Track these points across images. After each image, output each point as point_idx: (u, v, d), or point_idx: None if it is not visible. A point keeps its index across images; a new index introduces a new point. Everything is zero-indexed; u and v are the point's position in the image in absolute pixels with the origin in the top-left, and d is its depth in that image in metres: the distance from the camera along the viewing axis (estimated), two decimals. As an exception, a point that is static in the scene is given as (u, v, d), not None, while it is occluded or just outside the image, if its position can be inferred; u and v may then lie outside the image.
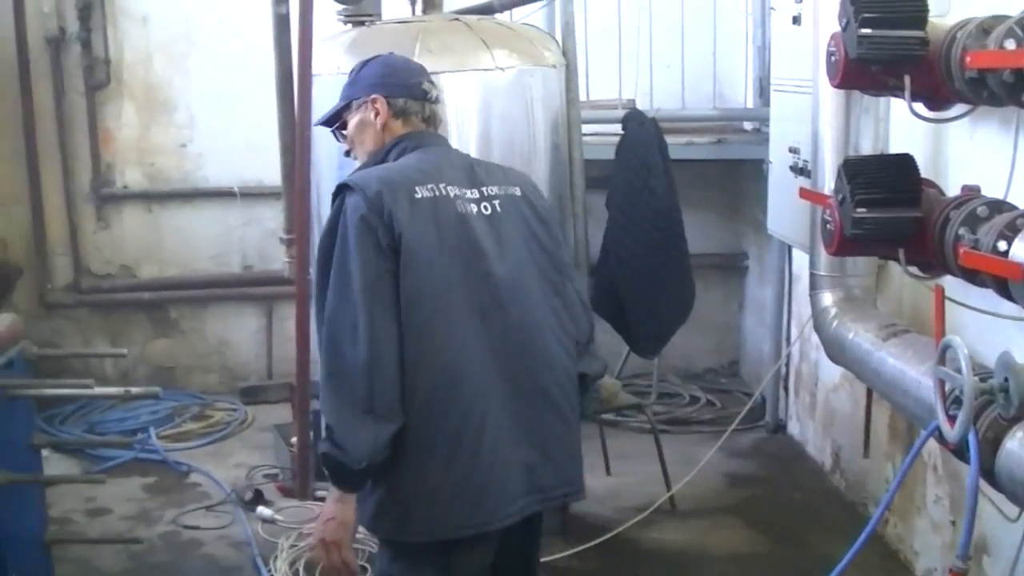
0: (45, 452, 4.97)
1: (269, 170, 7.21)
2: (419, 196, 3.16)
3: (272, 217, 7.53)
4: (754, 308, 7.69)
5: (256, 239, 7.79)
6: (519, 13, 6.15)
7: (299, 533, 5.35)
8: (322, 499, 5.58)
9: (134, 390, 4.28)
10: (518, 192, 3.37)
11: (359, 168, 3.39)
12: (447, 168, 3.30)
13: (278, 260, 7.41)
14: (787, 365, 6.82)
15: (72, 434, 7.01)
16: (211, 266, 7.89)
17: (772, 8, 5.74)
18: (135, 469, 6.60)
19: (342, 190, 3.18)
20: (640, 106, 6.51)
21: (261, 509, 5.86)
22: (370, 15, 5.31)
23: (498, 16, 5.63)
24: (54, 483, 4.94)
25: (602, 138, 6.18)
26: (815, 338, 4.97)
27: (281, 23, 5.55)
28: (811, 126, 4.63)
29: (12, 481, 4.02)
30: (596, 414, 5.85)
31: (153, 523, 5.93)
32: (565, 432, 3.36)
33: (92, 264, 7.95)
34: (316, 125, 3.59)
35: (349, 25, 5.31)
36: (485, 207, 3.26)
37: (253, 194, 7.70)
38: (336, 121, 3.52)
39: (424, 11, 5.26)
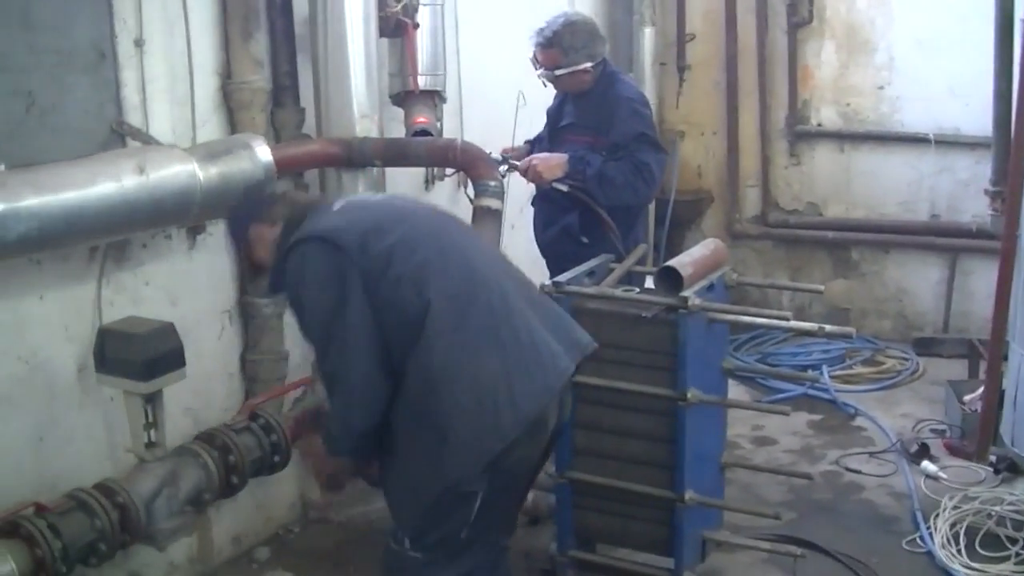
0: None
1: (969, 118, 6.99)
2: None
3: (966, 168, 7.30)
4: None
5: (947, 188, 7.52)
6: None
7: (964, 495, 5.19)
8: (992, 465, 5.44)
9: (828, 328, 4.26)
10: None
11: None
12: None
13: (967, 212, 7.25)
14: None
15: (747, 362, 7.22)
16: (898, 212, 7.73)
17: None
18: (803, 405, 6.67)
19: (295, 246, 3.55)
20: None
21: (926, 464, 5.74)
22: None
23: None
24: (740, 408, 5.06)
25: None
26: None
27: (1007, -34, 5.31)
28: None
29: (704, 402, 4.16)
30: None
31: (816, 460, 5.99)
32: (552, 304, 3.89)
33: (780, 199, 8.11)
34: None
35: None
36: None
37: (949, 142, 7.40)
38: None
39: None
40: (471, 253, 3.62)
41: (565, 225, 5.41)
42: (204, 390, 4.76)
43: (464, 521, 3.50)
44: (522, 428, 3.42)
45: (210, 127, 4.69)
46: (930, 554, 4.93)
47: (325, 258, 3.47)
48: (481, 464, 3.41)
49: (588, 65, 5.30)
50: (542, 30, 5.33)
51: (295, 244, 3.53)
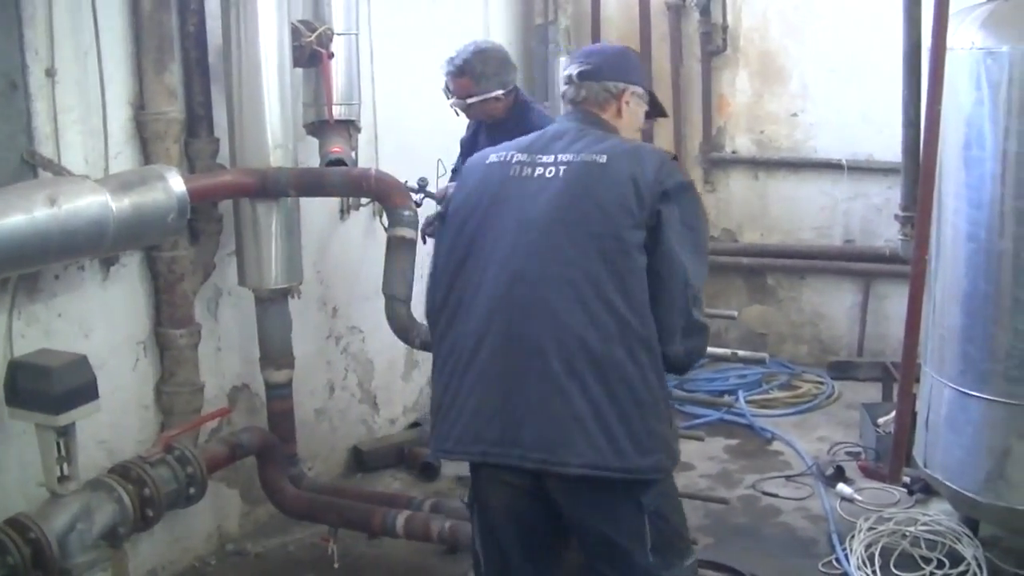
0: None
1: (881, 144, 7.11)
2: (488, 161, 3.58)
3: (879, 193, 7.43)
4: None
5: (860, 213, 7.62)
6: None
7: (879, 517, 5.27)
8: (907, 486, 5.51)
9: (741, 353, 4.32)
10: (602, 159, 3.40)
11: None
12: (537, 139, 3.59)
13: (881, 237, 7.38)
14: None
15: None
16: (813, 237, 7.82)
17: None
18: (720, 430, 6.75)
19: None
20: None
21: (841, 486, 5.82)
22: (1009, -12, 5.04)
23: None
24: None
25: None
26: None
27: (914, -6, 5.38)
28: None
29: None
30: None
31: (733, 485, 6.05)
32: (559, 400, 3.29)
33: (698, 225, 8.15)
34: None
35: (984, -2, 5.07)
36: (549, 171, 3.44)
37: (862, 168, 7.53)
38: None
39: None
40: (517, 294, 3.38)
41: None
42: (118, 423, 4.72)
43: (475, 531, 3.63)
44: (441, 455, 3.59)
45: (123, 158, 4.66)
46: (846, 575, 5.00)
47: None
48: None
49: (500, 92, 5.31)
50: (453, 59, 5.34)
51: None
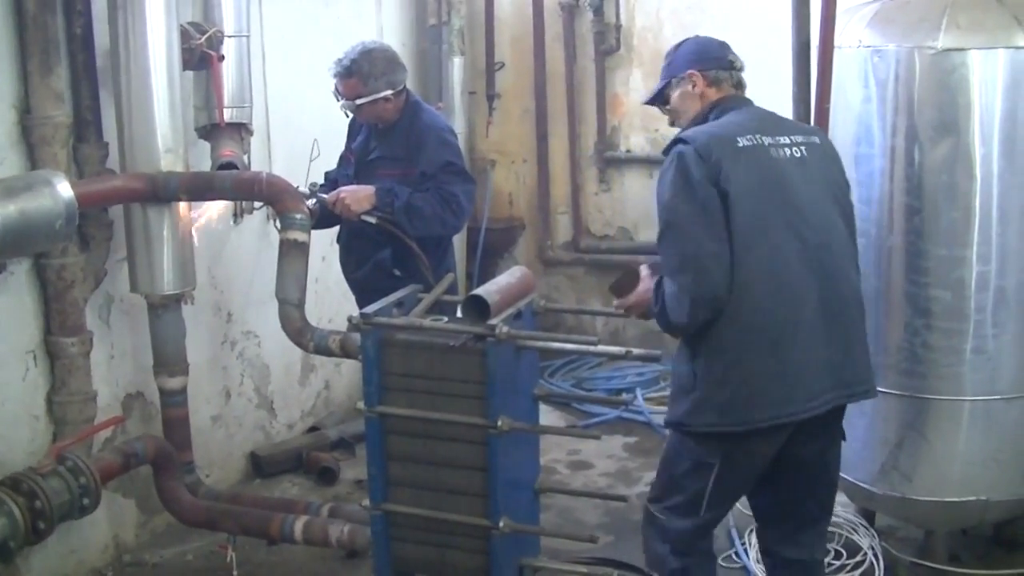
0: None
1: (776, 143, 7.17)
2: (741, 145, 3.75)
3: (771, 190, 7.50)
4: None
5: (753, 210, 7.68)
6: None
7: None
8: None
9: (636, 351, 4.35)
10: (817, 140, 3.97)
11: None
12: (760, 122, 3.89)
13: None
14: None
15: (561, 388, 7.27)
16: (707, 235, 7.86)
17: None
18: (619, 428, 6.78)
19: (676, 143, 3.79)
20: None
21: (739, 483, 5.86)
22: (895, -13, 5.12)
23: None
24: (552, 433, 5.09)
25: None
26: None
27: (803, -6, 5.44)
28: None
29: (515, 429, 4.17)
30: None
31: (632, 483, 6.07)
32: (861, 336, 3.89)
33: (592, 225, 8.19)
34: (644, 104, 4.25)
35: (872, -3, 5.15)
36: (795, 151, 3.82)
37: (756, 165, 7.60)
38: (660, 99, 4.13)
39: (953, -15, 5.00)
40: (811, 249, 3.75)
41: (378, 260, 5.38)
42: (8, 434, 4.63)
43: (701, 492, 3.88)
44: (747, 428, 3.71)
45: (8, 163, 4.57)
46: (745, 569, 5.06)
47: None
48: (710, 427, 3.76)
49: (389, 93, 5.29)
50: (340, 60, 5.31)
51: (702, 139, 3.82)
